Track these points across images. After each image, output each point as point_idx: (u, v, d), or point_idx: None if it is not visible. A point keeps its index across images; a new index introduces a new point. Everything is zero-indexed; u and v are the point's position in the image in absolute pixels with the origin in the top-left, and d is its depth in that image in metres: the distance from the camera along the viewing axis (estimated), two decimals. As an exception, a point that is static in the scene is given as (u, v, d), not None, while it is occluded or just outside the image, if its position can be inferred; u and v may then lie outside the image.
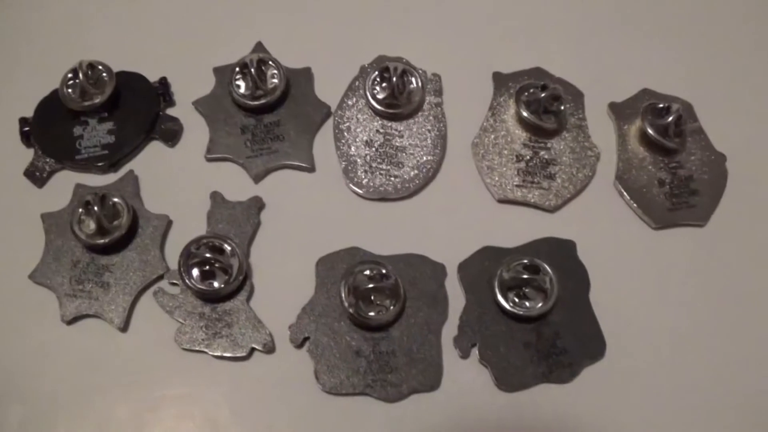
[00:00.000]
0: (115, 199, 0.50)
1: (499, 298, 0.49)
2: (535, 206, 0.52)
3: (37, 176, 0.53)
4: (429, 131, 0.53)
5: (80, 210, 0.50)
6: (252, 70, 0.52)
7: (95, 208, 0.49)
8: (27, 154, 0.54)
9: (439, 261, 0.50)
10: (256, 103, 0.53)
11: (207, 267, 0.49)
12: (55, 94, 0.54)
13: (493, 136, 0.53)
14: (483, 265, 0.50)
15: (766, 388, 0.49)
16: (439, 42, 0.56)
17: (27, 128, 0.54)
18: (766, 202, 0.54)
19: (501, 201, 0.52)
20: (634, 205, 0.53)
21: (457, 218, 0.52)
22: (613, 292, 0.51)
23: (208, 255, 0.48)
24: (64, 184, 0.53)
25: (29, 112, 0.54)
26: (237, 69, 0.53)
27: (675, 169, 0.54)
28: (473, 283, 0.50)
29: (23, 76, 0.57)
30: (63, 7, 0.59)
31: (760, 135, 0.55)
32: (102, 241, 0.50)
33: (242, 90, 0.53)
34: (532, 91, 0.53)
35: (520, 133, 0.53)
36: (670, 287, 0.51)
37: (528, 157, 0.53)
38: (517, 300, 0.49)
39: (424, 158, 0.52)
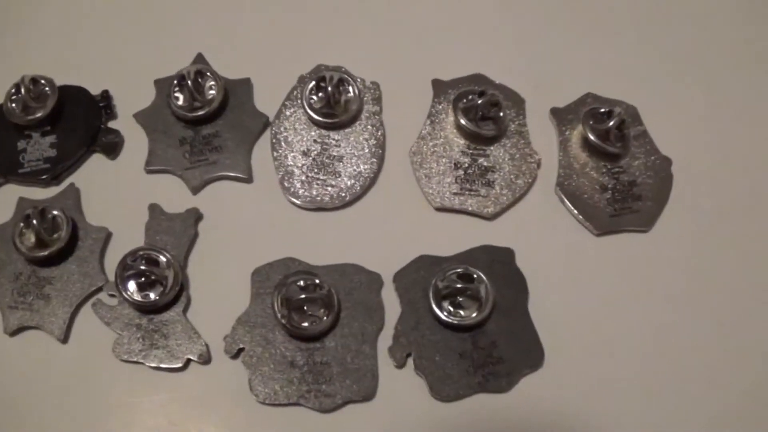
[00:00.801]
0: (55, 212, 0.51)
1: (434, 307, 0.49)
2: (473, 214, 0.52)
3: (-21, 192, 0.54)
4: (366, 140, 0.53)
5: (21, 224, 0.51)
6: (189, 82, 0.52)
7: (34, 222, 0.50)
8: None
9: (376, 270, 0.50)
10: (193, 114, 0.53)
11: (143, 279, 0.49)
12: None
13: (431, 144, 0.53)
14: (419, 274, 0.50)
15: (708, 394, 0.49)
16: (379, 50, 0.56)
17: (-29, 143, 0.55)
18: (711, 207, 0.53)
19: (439, 209, 0.52)
20: (575, 212, 0.52)
21: (395, 227, 0.52)
22: (553, 300, 0.50)
23: (143, 267, 0.49)
24: (9, 198, 0.54)
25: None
26: (175, 81, 0.54)
27: (618, 174, 0.53)
28: (409, 293, 0.50)
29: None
30: (3, 21, 0.59)
31: (705, 138, 0.55)
32: (42, 254, 0.50)
33: (180, 102, 0.53)
34: (470, 97, 0.53)
35: (458, 141, 0.53)
36: (611, 294, 0.51)
37: (466, 165, 0.53)
38: (452, 309, 0.49)
39: (362, 167, 0.52)
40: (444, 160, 0.53)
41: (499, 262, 0.51)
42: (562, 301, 0.51)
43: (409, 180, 0.53)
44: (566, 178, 0.53)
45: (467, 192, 0.52)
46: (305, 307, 0.49)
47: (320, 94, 0.53)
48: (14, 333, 0.50)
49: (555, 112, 0.55)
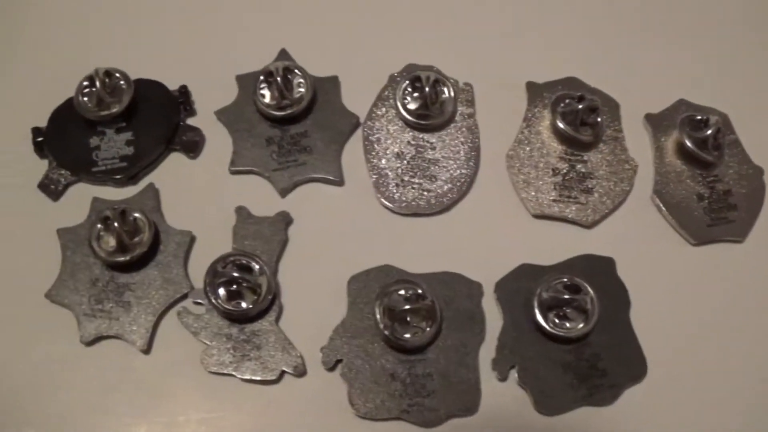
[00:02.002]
0: (136, 215, 0.48)
1: (539, 318, 0.47)
2: (572, 222, 0.50)
3: (52, 189, 0.51)
4: (462, 143, 0.51)
5: (99, 226, 0.48)
6: (278, 78, 0.50)
7: (115, 224, 0.47)
8: (41, 166, 0.51)
9: (474, 279, 0.49)
10: (282, 113, 0.50)
11: (234, 286, 0.47)
12: (70, 102, 0.51)
13: (528, 149, 0.51)
14: (520, 284, 0.49)
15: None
16: (470, 51, 0.54)
17: (40, 138, 0.51)
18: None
19: (536, 216, 0.50)
20: (673, 220, 0.51)
21: (492, 234, 0.50)
22: (653, 311, 0.49)
23: (235, 274, 0.46)
24: (81, 197, 0.51)
25: (42, 122, 0.52)
26: (261, 77, 0.51)
27: (713, 183, 0.52)
28: (511, 303, 0.48)
29: (36, 83, 0.54)
30: (77, 13, 0.56)
31: (798, 147, 0.54)
32: (123, 258, 0.47)
33: (267, 99, 0.51)
34: (568, 101, 0.51)
35: (555, 146, 0.52)
36: (710, 304, 0.50)
37: (564, 171, 0.51)
38: (557, 321, 0.48)
39: (458, 171, 0.50)
40: (542, 166, 0.51)
41: (600, 271, 0.50)
42: (662, 312, 0.49)
43: (505, 185, 0.51)
44: (663, 185, 0.52)
45: (566, 199, 0.50)
46: (408, 318, 0.47)
47: (415, 95, 0.51)
48: (91, 343, 0.47)
49: (650, 119, 0.53)
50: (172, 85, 0.52)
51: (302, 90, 0.51)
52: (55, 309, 0.48)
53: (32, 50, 0.55)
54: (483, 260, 0.49)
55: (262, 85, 0.51)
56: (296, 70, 0.51)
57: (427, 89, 0.50)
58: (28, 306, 0.48)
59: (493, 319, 0.48)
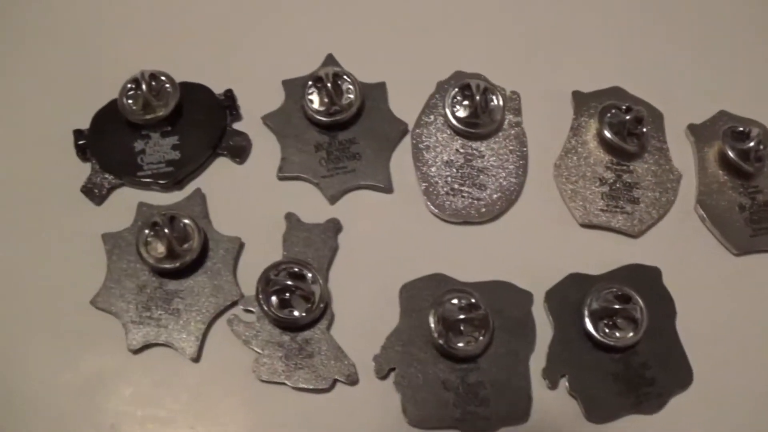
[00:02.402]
0: (186, 221, 0.47)
1: (590, 328, 0.47)
2: (619, 231, 0.51)
3: (95, 193, 0.50)
4: (510, 152, 0.51)
5: (147, 231, 0.47)
6: (328, 84, 0.49)
7: (165, 231, 0.46)
8: (82, 169, 0.51)
9: (523, 287, 0.49)
10: (331, 119, 0.50)
11: (286, 294, 0.46)
12: (113, 105, 0.51)
13: (575, 158, 0.52)
14: (570, 293, 0.49)
15: None
16: (516, 59, 0.54)
17: (83, 141, 0.50)
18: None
19: (584, 225, 0.51)
20: (716, 230, 0.51)
21: (540, 243, 0.50)
22: (697, 320, 0.49)
23: (288, 282, 0.46)
24: (124, 202, 0.50)
25: (83, 124, 0.51)
26: (310, 83, 0.50)
27: (754, 194, 0.53)
28: (561, 312, 0.48)
29: (77, 85, 0.53)
30: (119, 15, 0.55)
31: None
32: (173, 265, 0.46)
33: (316, 105, 0.50)
34: (614, 111, 0.52)
35: (602, 156, 0.52)
36: (753, 314, 0.50)
37: (611, 180, 0.51)
38: (606, 330, 0.48)
39: (507, 180, 0.51)
40: (589, 175, 0.51)
41: (647, 280, 0.50)
42: (706, 320, 0.50)
43: (552, 194, 0.51)
44: (706, 196, 0.52)
45: (613, 208, 0.51)
46: (461, 327, 0.46)
47: (464, 103, 0.51)
48: (139, 351, 0.47)
49: (693, 129, 0.54)
50: (217, 89, 0.52)
51: (351, 96, 0.50)
52: (100, 316, 0.47)
53: (73, 51, 0.54)
54: (532, 269, 0.49)
55: (311, 91, 0.51)
56: (345, 76, 0.51)
57: (477, 97, 0.50)
58: (73, 313, 0.47)
59: (543, 327, 0.48)
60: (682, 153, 0.54)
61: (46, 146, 0.51)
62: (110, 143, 0.50)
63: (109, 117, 0.51)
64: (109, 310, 0.47)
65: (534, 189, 0.51)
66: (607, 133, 0.51)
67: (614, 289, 0.48)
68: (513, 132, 0.52)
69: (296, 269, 0.46)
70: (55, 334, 0.47)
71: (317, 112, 0.50)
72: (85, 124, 0.51)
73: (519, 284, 0.49)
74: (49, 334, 0.47)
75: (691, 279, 0.51)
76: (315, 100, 0.51)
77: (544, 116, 0.53)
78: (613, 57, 0.55)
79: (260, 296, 0.46)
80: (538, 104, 0.53)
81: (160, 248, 0.47)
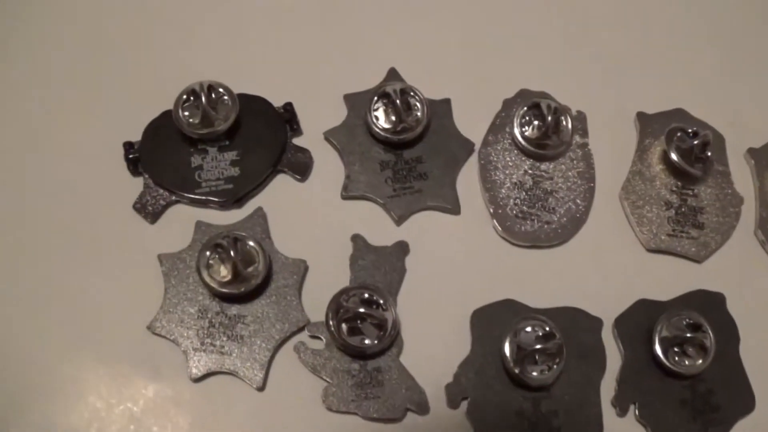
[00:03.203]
0: (250, 243, 0.45)
1: (660, 355, 0.47)
2: (684, 256, 0.50)
3: (149, 210, 0.47)
4: (579, 174, 0.50)
5: (208, 253, 0.45)
6: (397, 101, 0.48)
7: (231, 253, 0.44)
8: (133, 184, 0.48)
9: (592, 312, 0.48)
10: (399, 137, 0.48)
11: (358, 321, 0.44)
12: (166, 116, 0.48)
13: (641, 182, 0.51)
14: (639, 320, 0.48)
15: None
16: (580, 78, 0.53)
17: (134, 155, 0.48)
18: None
19: (650, 250, 0.50)
20: (776, 255, 0.52)
21: (607, 267, 0.49)
22: (760, 345, 0.49)
23: (361, 309, 0.44)
24: (180, 219, 0.47)
25: (134, 136, 0.48)
26: (375, 98, 0.49)
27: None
28: (630, 339, 0.48)
29: (127, 94, 0.50)
30: (172, 24, 0.53)
31: None
32: (237, 290, 0.44)
33: (382, 122, 0.49)
34: (680, 135, 0.51)
35: (667, 179, 0.51)
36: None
37: (676, 205, 0.51)
38: (676, 357, 0.47)
39: (575, 203, 0.49)
40: (655, 199, 0.50)
41: (712, 306, 0.49)
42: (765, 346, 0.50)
43: (618, 217, 0.50)
44: (766, 221, 0.52)
45: (679, 233, 0.50)
46: (536, 356, 0.45)
47: (535, 123, 0.49)
48: (201, 379, 0.44)
49: (753, 153, 0.53)
50: (275, 102, 0.49)
51: (419, 114, 0.49)
52: (158, 342, 0.45)
53: (124, 59, 0.51)
54: (600, 294, 0.48)
55: (376, 107, 0.49)
56: (412, 92, 0.49)
57: (549, 118, 0.48)
58: (129, 339, 0.45)
59: (611, 354, 0.48)
60: (742, 177, 0.53)
61: (95, 159, 0.48)
62: (164, 157, 0.48)
63: (163, 129, 0.48)
64: (168, 336, 0.45)
65: (600, 212, 0.50)
66: (675, 157, 0.50)
67: (684, 317, 0.48)
68: (580, 153, 0.51)
69: (367, 295, 0.45)
70: (110, 361, 0.44)
71: (384, 129, 0.48)
72: (135, 136, 0.48)
73: (588, 309, 0.48)
74: (104, 361, 0.44)
75: (753, 304, 0.50)
76: (380, 116, 0.49)
77: (608, 137, 0.52)
78: (675, 78, 0.54)
79: (331, 323, 0.44)
80: (602, 124, 0.52)
81: (224, 271, 0.45)
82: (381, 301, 0.45)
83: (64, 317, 0.45)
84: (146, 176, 0.47)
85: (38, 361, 0.44)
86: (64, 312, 0.45)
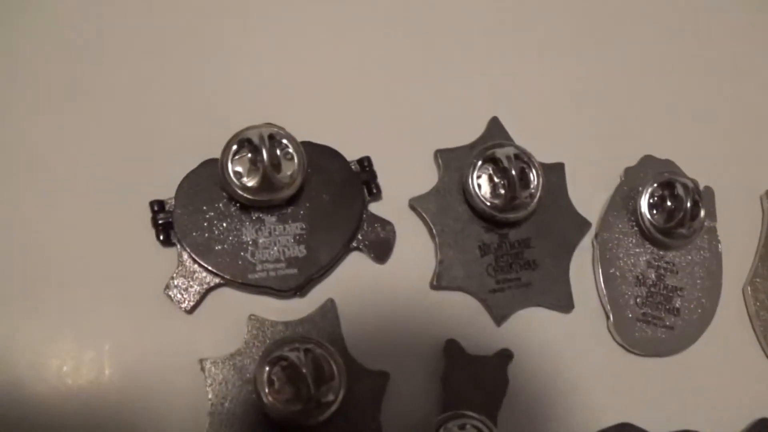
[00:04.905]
0: (328, 358, 0.34)
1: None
2: (808, 370, 0.43)
3: (182, 297, 0.36)
4: (705, 268, 0.42)
5: (267, 368, 0.34)
6: (513, 170, 0.37)
7: (303, 372, 0.33)
8: (162, 257, 0.36)
9: (712, 435, 0.41)
10: (509, 215, 0.38)
11: (456, 458, 0.35)
12: (209, 168, 0.36)
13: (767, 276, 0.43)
14: (762, 445, 0.41)
15: None
16: (707, 146, 0.44)
17: (165, 219, 0.36)
18: None
19: (774, 362, 0.43)
20: None
21: (726, 381, 0.42)
22: None
23: (465, 449, 0.35)
24: (224, 308, 0.36)
25: (164, 192, 0.36)
26: (480, 162, 0.38)
27: None
28: (751, 470, 0.41)
29: (156, 139, 0.38)
30: (219, 51, 0.40)
31: None
32: (312, 421, 0.34)
33: (486, 192, 0.38)
34: (812, 220, 0.43)
35: (797, 275, 0.44)
36: None
37: (807, 307, 0.43)
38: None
39: (700, 303, 0.41)
40: (782, 299, 0.43)
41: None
42: None
43: (741, 320, 0.43)
44: None
45: (808, 342, 0.43)
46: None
47: (668, 205, 0.40)
48: None
49: None
50: (348, 156, 0.38)
51: (532, 186, 0.38)
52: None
53: (158, 93, 0.38)
54: (717, 412, 0.41)
55: (479, 173, 0.38)
56: (526, 157, 0.38)
57: (688, 204, 0.39)
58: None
59: (726, 482, 0.41)
60: None
61: (114, 222, 0.36)
62: (206, 225, 0.36)
63: (204, 185, 0.36)
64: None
65: (722, 315, 0.42)
66: (810, 250, 0.43)
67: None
68: (707, 241, 0.42)
69: (473, 426, 0.35)
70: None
71: (493, 206, 0.38)
72: (167, 193, 0.36)
73: (706, 431, 0.40)
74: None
75: None
76: (484, 184, 0.38)
77: (733, 219, 0.44)
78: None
79: (426, 465, 0.34)
80: (727, 203, 0.44)
81: (289, 393, 0.34)
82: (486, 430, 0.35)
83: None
84: (181, 249, 0.36)
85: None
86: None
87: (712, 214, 0.43)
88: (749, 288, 0.43)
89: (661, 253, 0.41)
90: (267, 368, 0.34)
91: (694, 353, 0.41)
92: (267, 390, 0.34)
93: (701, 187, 0.42)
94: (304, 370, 0.33)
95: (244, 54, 0.40)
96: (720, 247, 0.43)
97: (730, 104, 0.46)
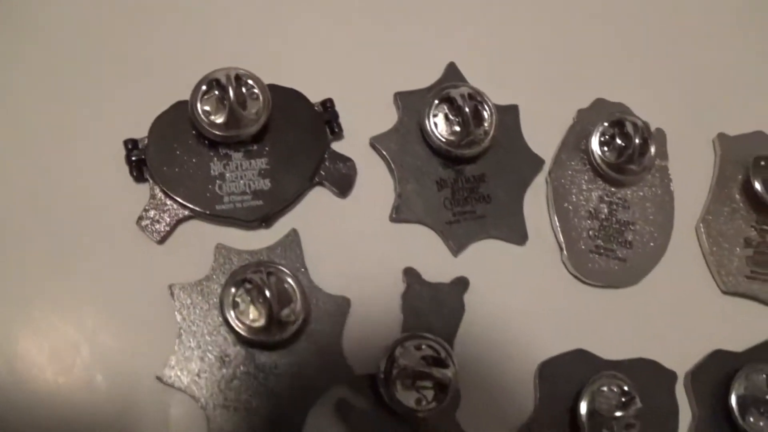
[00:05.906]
0: (290, 281, 0.37)
1: (738, 419, 0.42)
2: (762, 301, 0.45)
3: (155, 228, 0.38)
4: (657, 204, 0.44)
5: (233, 290, 0.36)
6: (467, 108, 0.40)
7: (266, 294, 0.35)
8: (135, 192, 0.38)
9: (664, 363, 0.42)
10: (464, 151, 0.40)
11: (414, 381, 0.37)
12: (179, 110, 0.38)
13: (720, 216, 0.45)
14: (714, 375, 0.43)
15: None
16: (658, 90, 0.46)
17: (138, 156, 0.38)
18: None
19: (726, 293, 0.44)
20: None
21: (680, 311, 0.43)
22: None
23: (424, 369, 0.37)
24: (194, 239, 0.38)
25: (134, 131, 0.38)
26: (436, 101, 0.40)
27: None
28: (704, 395, 0.42)
29: (129, 81, 0.40)
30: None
31: None
32: (272, 339, 0.36)
33: (443, 130, 0.40)
34: (763, 164, 0.45)
35: (747, 214, 0.45)
36: None
37: (755, 243, 0.45)
38: (752, 419, 0.42)
39: (653, 236, 0.43)
40: (734, 237, 0.45)
41: (785, 357, 0.45)
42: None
43: (694, 255, 0.44)
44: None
45: (758, 275, 0.45)
46: (614, 426, 0.39)
47: (618, 143, 0.42)
48: (220, 440, 0.36)
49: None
50: (312, 98, 0.41)
51: (486, 124, 0.41)
52: (170, 395, 0.36)
53: (130, 37, 0.41)
54: (671, 342, 0.43)
55: (436, 112, 0.40)
56: (479, 97, 0.41)
57: (637, 140, 0.41)
58: (136, 390, 0.36)
59: (682, 410, 0.42)
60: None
61: (90, 160, 0.38)
62: (177, 161, 0.38)
63: (175, 125, 0.38)
64: (184, 389, 0.36)
65: (675, 249, 0.44)
66: (759, 189, 0.44)
67: (763, 374, 0.43)
68: (659, 178, 0.44)
69: (426, 348, 0.37)
70: (116, 413, 0.36)
71: (449, 142, 0.40)
72: (140, 132, 0.38)
73: (661, 360, 0.42)
74: (111, 412, 0.36)
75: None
76: (440, 123, 0.41)
77: (686, 160, 0.45)
78: (758, 98, 0.48)
79: (385, 383, 0.37)
80: (679, 145, 0.46)
81: (254, 314, 0.36)
82: (443, 354, 0.37)
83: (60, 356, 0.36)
84: (153, 184, 0.38)
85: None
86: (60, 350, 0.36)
87: (663, 154, 0.45)
88: (702, 225, 0.45)
89: (613, 189, 0.43)
90: (233, 289, 0.36)
91: (647, 285, 0.43)
92: (232, 311, 0.36)
93: (653, 129, 0.45)
94: (267, 291, 0.36)
95: (213, 2, 0.43)
96: (672, 185, 0.45)
97: (684, 50, 0.48)
